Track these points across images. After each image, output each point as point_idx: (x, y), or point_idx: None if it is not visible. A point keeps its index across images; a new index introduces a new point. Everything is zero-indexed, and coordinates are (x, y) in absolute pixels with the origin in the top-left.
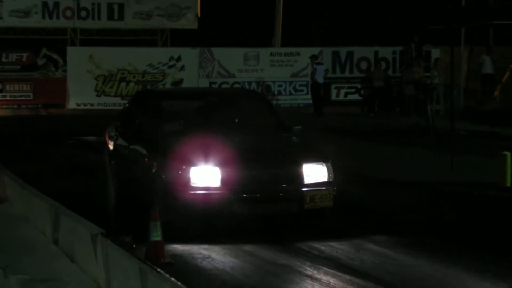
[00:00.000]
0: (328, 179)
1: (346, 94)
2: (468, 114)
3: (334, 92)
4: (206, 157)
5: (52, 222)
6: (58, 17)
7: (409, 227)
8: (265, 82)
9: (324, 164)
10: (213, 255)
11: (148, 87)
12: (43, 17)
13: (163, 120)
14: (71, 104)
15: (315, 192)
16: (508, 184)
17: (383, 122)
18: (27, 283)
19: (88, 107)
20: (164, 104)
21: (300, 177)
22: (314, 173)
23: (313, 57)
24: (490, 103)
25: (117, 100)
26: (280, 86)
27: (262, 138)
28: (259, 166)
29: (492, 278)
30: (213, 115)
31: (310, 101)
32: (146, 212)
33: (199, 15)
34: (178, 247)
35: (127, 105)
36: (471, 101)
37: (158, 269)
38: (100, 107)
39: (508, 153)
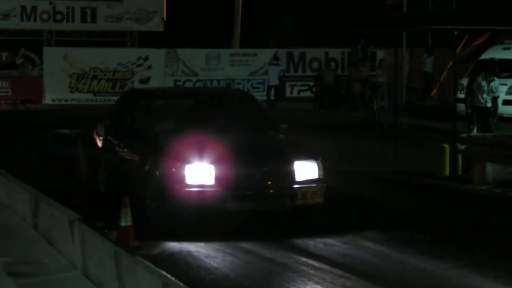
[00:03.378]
0: (318, 176)
1: (299, 91)
2: (409, 109)
3: (288, 89)
4: (200, 155)
5: (32, 208)
6: (35, 20)
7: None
8: (226, 80)
9: (314, 161)
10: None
11: (118, 84)
12: (22, 19)
13: (155, 118)
14: (47, 100)
15: (307, 189)
16: (447, 174)
17: (333, 117)
18: (10, 265)
19: (63, 102)
20: (154, 103)
21: (291, 174)
22: (305, 170)
23: (275, 58)
24: (430, 100)
25: (90, 96)
26: (239, 83)
27: (253, 136)
28: (251, 164)
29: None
30: (204, 114)
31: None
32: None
33: (165, 19)
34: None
35: (115, 104)
36: (412, 97)
37: (132, 253)
38: (73, 102)
39: (447, 146)
